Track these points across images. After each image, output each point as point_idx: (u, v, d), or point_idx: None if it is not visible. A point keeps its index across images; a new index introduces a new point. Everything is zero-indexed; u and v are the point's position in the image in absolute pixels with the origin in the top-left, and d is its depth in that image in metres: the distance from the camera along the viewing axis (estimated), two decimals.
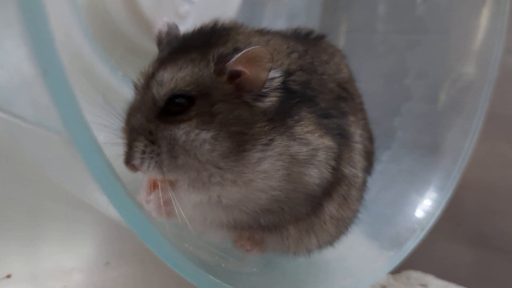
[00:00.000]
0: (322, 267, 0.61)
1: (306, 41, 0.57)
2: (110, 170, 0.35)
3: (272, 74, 0.43)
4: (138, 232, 0.36)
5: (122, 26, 0.59)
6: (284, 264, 0.59)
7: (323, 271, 0.61)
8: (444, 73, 0.78)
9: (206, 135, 0.41)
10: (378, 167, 0.64)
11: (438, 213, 0.72)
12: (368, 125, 0.58)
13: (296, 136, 0.43)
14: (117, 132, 0.44)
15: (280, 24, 0.84)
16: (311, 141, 0.44)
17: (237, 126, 0.41)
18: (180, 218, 0.42)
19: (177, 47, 0.46)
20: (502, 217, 0.93)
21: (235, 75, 0.42)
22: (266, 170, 0.42)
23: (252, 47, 0.40)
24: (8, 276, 0.54)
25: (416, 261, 0.73)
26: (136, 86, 0.45)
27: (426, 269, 0.84)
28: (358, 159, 0.51)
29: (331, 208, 0.49)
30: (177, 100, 0.41)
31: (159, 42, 0.48)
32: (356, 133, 0.52)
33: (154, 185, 0.46)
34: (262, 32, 0.52)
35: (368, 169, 0.57)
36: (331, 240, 0.54)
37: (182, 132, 0.41)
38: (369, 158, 0.57)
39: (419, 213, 0.73)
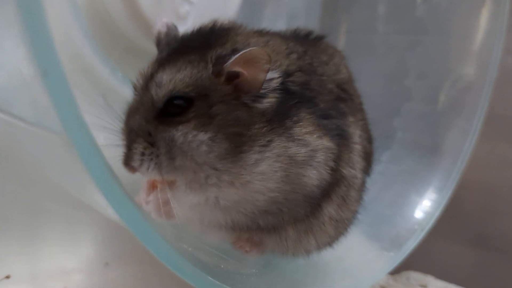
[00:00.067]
0: (321, 268, 0.61)
1: (305, 41, 0.57)
2: (109, 171, 0.35)
3: (271, 75, 0.42)
4: (136, 234, 0.36)
5: (122, 26, 0.59)
6: (283, 265, 0.59)
7: (322, 272, 0.61)
8: (444, 73, 0.78)
9: (203, 136, 0.40)
10: (378, 168, 0.63)
11: (438, 213, 0.72)
12: (367, 125, 0.58)
13: (295, 137, 0.43)
14: (116, 133, 0.44)
15: (280, 24, 0.84)
16: (310, 142, 0.44)
17: (235, 128, 0.41)
18: (179, 219, 0.42)
19: (176, 48, 0.46)
20: (502, 217, 0.93)
21: (233, 76, 0.42)
22: (264, 172, 0.42)
23: (250, 48, 0.40)
24: (7, 277, 0.54)
25: (416, 261, 0.72)
26: (135, 87, 0.45)
27: (426, 270, 0.84)
28: (357, 160, 0.51)
29: (330, 209, 0.49)
30: (175, 102, 0.41)
31: (158, 42, 0.48)
32: (356, 133, 0.52)
33: (153, 186, 0.46)
34: (261, 33, 0.52)
35: (367, 170, 0.57)
36: (330, 241, 0.54)
37: (180, 134, 0.41)
38: (368, 159, 0.57)
39: (419, 213, 0.73)
